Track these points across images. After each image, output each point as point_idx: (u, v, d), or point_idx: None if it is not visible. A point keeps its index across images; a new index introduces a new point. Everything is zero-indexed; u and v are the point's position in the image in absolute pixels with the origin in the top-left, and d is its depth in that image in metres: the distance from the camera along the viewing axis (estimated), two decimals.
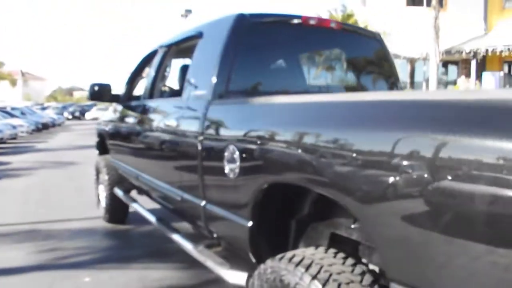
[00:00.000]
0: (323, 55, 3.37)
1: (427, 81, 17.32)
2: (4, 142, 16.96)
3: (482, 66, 17.06)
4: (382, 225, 1.40)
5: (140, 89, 4.86)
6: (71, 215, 5.64)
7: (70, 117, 45.38)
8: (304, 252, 1.77)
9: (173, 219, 3.85)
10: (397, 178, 1.30)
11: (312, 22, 3.09)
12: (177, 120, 2.96)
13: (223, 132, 2.47)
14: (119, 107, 4.67)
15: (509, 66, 18.39)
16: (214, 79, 2.67)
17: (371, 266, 1.78)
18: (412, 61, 19.36)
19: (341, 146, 1.54)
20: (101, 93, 4.52)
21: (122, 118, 4.46)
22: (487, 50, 15.75)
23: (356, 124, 1.56)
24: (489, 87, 15.60)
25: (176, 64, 4.21)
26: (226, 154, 2.26)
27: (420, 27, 15.91)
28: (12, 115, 23.91)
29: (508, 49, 15.37)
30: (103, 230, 5.05)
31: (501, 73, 16.76)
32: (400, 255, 1.35)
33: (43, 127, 26.61)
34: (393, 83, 3.58)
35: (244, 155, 2.14)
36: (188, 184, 2.83)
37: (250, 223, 2.15)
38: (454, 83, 18.73)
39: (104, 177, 5.08)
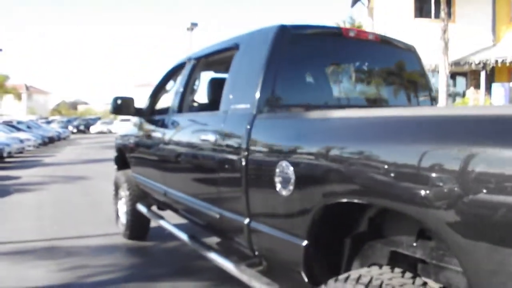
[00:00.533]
0: (362, 68, 3.26)
1: (436, 92, 17.23)
2: (12, 156, 16.87)
3: (491, 77, 16.96)
4: (480, 250, 1.28)
5: (164, 102, 4.80)
6: (88, 231, 5.52)
7: (75, 130, 45.35)
8: (370, 272, 1.69)
9: (204, 235, 3.73)
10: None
11: (351, 34, 3.01)
12: (215, 135, 2.86)
13: (273, 147, 2.36)
14: (142, 121, 4.57)
15: None
16: (257, 93, 2.58)
17: (432, 284, 1.70)
18: None
19: (431, 163, 1.42)
20: (124, 107, 4.43)
21: (146, 133, 4.36)
22: (496, 61, 15.66)
23: (443, 139, 1.45)
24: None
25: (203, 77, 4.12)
26: (277, 170, 2.16)
27: (428, 39, 15.86)
28: (18, 129, 23.86)
29: None
30: (124, 247, 4.92)
31: (511, 84, 16.66)
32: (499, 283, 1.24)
33: (49, 141, 26.55)
34: (431, 97, 3.51)
35: (300, 171, 2.03)
36: (229, 201, 2.73)
37: (305, 242, 2.05)
38: (463, 94, 18.65)
39: (125, 192, 4.96)
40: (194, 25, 33.35)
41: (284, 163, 2.12)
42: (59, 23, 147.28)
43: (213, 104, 3.87)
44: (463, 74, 18.88)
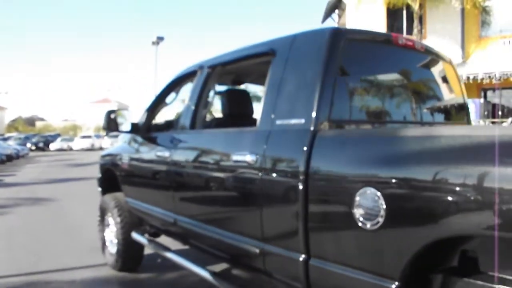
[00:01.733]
0: (410, 78, 2.92)
1: None
2: None
3: None
4: None
5: (161, 117, 4.33)
6: (71, 263, 4.91)
7: (34, 148, 43.45)
8: None
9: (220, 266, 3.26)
10: None
11: (400, 41, 2.68)
12: (254, 156, 2.45)
13: (350, 171, 1.96)
14: (138, 138, 4.08)
15: (485, 93, 18.71)
16: (314, 106, 2.20)
17: None
18: None
19: None
20: (118, 122, 3.94)
21: (147, 152, 3.88)
22: (468, 78, 15.91)
23: None
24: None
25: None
26: (357, 199, 1.77)
27: None
28: None
29: (489, 76, 15.56)
30: (115, 280, 4.36)
31: (481, 100, 16.98)
32: None
33: (7, 159, 25.17)
34: (467, 114, 3.27)
35: (395, 201, 1.65)
36: (276, 234, 2.31)
37: (395, 285, 1.70)
38: None
39: (115, 219, 4.42)
40: (160, 39, 32.77)
41: (369, 191, 1.74)
42: (12, 34, 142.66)
43: (231, 119, 3.45)
44: None
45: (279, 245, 2.28)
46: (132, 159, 4.11)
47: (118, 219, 4.38)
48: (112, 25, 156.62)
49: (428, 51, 2.93)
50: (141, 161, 3.98)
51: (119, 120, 3.98)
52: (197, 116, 3.31)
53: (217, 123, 3.57)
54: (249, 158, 2.47)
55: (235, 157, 2.59)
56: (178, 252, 3.55)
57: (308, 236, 2.07)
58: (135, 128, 4.04)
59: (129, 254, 4.39)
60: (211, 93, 3.45)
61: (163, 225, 3.69)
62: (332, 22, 24.94)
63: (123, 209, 4.40)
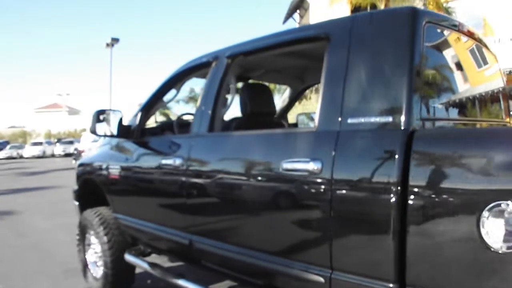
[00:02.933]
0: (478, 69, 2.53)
1: None
2: None
3: None
4: None
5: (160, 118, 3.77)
6: None
7: None
8: None
9: None
10: None
11: (465, 29, 2.31)
12: (317, 164, 1.98)
13: (471, 180, 1.52)
14: (130, 144, 3.51)
15: None
16: (405, 100, 1.77)
17: None
18: None
19: None
20: (109, 124, 3.36)
21: (146, 160, 3.32)
22: None
23: None
24: None
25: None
26: (486, 215, 1.38)
27: None
28: None
29: None
30: None
31: None
32: None
33: None
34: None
35: None
36: (351, 261, 1.87)
37: None
38: None
39: (101, 238, 3.81)
40: (115, 40, 31.57)
41: (504, 205, 1.33)
42: None
43: (254, 119, 2.97)
44: None
45: (355, 273, 1.83)
46: (125, 168, 3.52)
47: (105, 238, 3.78)
48: (62, 25, 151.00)
49: (480, 40, 2.56)
50: (139, 171, 3.41)
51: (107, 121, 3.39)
52: (215, 117, 2.79)
53: (238, 125, 3.07)
54: (311, 166, 1.99)
55: (287, 165, 2.11)
56: (187, 276, 3.01)
57: (405, 262, 1.65)
58: (126, 132, 3.47)
59: (119, 278, 3.80)
60: (232, 89, 2.95)
61: (169, 247, 3.15)
62: (294, 22, 24.77)
63: (110, 227, 3.81)
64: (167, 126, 3.90)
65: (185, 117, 3.89)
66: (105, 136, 3.48)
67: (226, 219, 2.62)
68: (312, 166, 1.98)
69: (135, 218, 3.45)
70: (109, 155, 3.82)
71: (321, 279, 1.96)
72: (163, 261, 4.02)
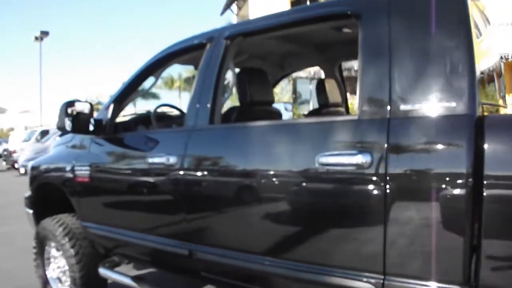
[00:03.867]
0: None
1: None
2: None
3: None
4: None
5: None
6: None
7: None
8: None
9: None
10: None
11: None
12: (367, 155, 1.69)
13: None
14: (103, 142, 3.02)
15: None
16: (468, 82, 1.58)
17: None
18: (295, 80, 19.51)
19: None
20: (80, 120, 2.85)
21: (127, 159, 2.86)
22: None
23: None
24: None
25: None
26: None
27: None
28: None
29: None
30: None
31: None
32: None
33: None
34: None
35: None
36: (407, 264, 1.65)
37: None
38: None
39: (67, 251, 3.28)
40: (44, 33, 29.71)
41: None
42: None
43: (255, 109, 2.63)
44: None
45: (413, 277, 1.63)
46: (98, 170, 3.01)
47: (72, 251, 3.25)
48: None
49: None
50: (117, 172, 2.92)
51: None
52: (216, 108, 2.40)
53: (238, 115, 2.67)
54: (359, 159, 1.69)
55: (325, 160, 1.79)
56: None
57: (480, 264, 1.48)
58: (98, 128, 2.97)
59: None
60: (232, 75, 2.56)
61: (160, 258, 2.72)
62: (231, 14, 24.42)
63: (77, 237, 3.29)
64: (142, 120, 3.43)
65: (161, 110, 3.45)
66: (77, 132, 2.97)
67: (241, 224, 2.23)
68: (360, 159, 1.69)
69: (112, 227, 2.97)
70: (73, 155, 3.29)
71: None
72: (129, 269, 3.56)
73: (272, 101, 2.94)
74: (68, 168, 3.27)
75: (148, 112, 3.59)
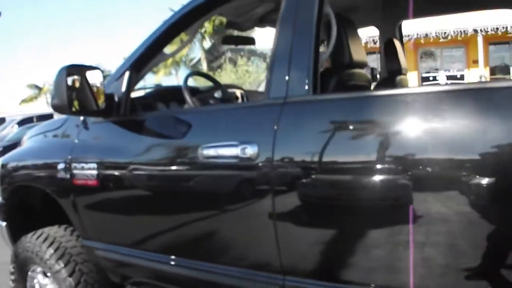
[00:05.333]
0: None
1: None
2: None
3: None
4: None
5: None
6: None
7: None
8: None
9: None
10: None
11: None
12: None
13: None
14: (117, 128, 2.09)
15: None
16: None
17: None
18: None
19: None
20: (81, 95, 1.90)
21: (160, 151, 1.95)
22: None
23: None
24: None
25: None
26: None
27: None
28: None
29: None
30: None
31: None
32: None
33: None
34: None
35: None
36: None
37: None
38: None
39: (63, 281, 2.33)
40: None
41: None
42: None
43: (347, 71, 1.83)
44: None
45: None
46: (113, 168, 2.06)
47: (70, 281, 2.33)
48: None
49: None
50: (146, 172, 1.98)
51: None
52: (317, 71, 1.57)
53: (337, 82, 1.82)
54: None
55: None
56: None
57: None
58: (110, 106, 2.02)
59: None
60: (332, 23, 1.72)
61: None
62: None
63: (75, 260, 2.36)
64: (162, 96, 2.48)
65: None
66: (84, 114, 2.04)
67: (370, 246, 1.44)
68: None
69: (137, 249, 2.06)
70: (67, 147, 2.31)
71: None
72: None
73: (366, 63, 2.11)
74: (61, 166, 2.30)
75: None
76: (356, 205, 1.42)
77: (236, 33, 2.90)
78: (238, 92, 2.90)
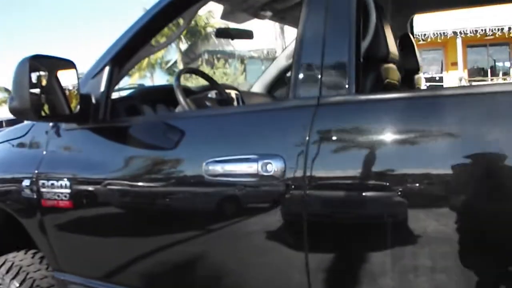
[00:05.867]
0: None
1: None
2: None
3: None
4: None
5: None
6: None
7: None
8: None
9: None
10: None
11: None
12: None
13: None
14: (95, 136, 1.71)
15: None
16: None
17: None
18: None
19: None
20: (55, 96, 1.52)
21: (154, 167, 1.56)
22: None
23: None
24: None
25: None
26: None
27: None
28: None
29: None
30: None
31: None
32: None
33: None
34: None
35: None
36: None
37: None
38: None
39: None
40: None
41: None
42: None
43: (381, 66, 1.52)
44: None
45: None
46: (90, 185, 1.67)
47: None
48: None
49: None
50: (135, 191, 1.59)
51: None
52: (359, 65, 1.25)
53: (375, 80, 1.49)
54: None
55: None
56: None
57: None
58: (87, 110, 1.64)
59: None
60: (370, 9, 1.45)
61: None
62: None
63: None
64: (147, 97, 2.08)
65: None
66: (54, 119, 1.65)
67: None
68: None
69: (125, 286, 1.66)
70: (34, 159, 1.90)
71: None
72: None
73: (398, 58, 1.78)
74: (25, 182, 1.88)
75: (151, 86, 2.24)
76: (432, 237, 1.07)
77: (231, 26, 2.55)
78: (233, 93, 2.55)
